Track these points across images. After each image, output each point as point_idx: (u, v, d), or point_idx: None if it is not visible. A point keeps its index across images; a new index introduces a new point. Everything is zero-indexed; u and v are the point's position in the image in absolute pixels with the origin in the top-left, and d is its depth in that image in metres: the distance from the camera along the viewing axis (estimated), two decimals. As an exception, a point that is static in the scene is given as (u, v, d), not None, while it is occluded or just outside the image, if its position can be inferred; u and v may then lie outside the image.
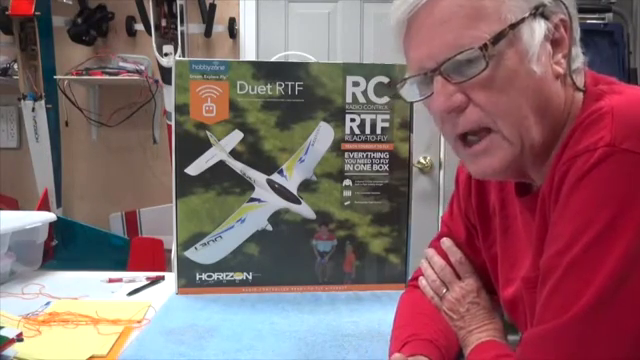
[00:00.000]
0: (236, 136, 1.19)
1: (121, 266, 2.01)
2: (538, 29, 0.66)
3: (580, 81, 0.71)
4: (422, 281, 0.93)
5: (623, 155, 0.57)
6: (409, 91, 0.74)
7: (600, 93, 0.67)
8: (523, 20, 0.65)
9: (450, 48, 0.65)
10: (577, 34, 0.70)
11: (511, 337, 0.86)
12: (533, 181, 0.75)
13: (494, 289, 0.88)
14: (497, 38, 0.64)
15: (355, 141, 1.22)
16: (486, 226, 0.87)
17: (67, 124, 2.74)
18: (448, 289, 0.89)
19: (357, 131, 1.22)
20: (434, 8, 0.67)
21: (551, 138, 0.69)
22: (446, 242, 0.92)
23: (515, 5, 0.65)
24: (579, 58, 0.71)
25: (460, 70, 0.66)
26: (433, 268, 0.92)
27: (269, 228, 1.22)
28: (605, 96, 0.65)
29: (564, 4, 0.68)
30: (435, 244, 0.94)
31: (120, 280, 1.29)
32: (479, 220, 0.88)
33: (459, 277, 0.89)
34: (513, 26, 0.65)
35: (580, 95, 0.70)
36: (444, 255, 0.92)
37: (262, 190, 1.21)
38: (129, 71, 2.63)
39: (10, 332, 0.82)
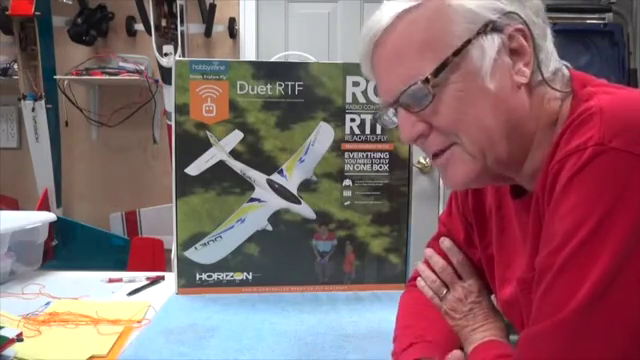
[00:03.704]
0: (236, 136, 1.19)
1: (121, 266, 2.01)
2: (490, 45, 0.67)
3: (560, 84, 0.71)
4: (420, 282, 0.92)
5: (612, 153, 0.58)
6: (385, 121, 0.78)
7: (589, 94, 0.67)
8: (469, 42, 0.66)
9: (402, 81, 0.68)
10: (544, 39, 0.70)
11: (513, 337, 0.86)
12: (518, 183, 0.75)
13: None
14: (439, 69, 0.66)
15: (355, 141, 1.22)
16: (482, 227, 0.88)
17: (67, 124, 2.74)
18: (449, 289, 0.89)
19: (357, 131, 1.22)
20: (387, 43, 0.70)
21: (520, 148, 0.70)
22: (446, 242, 0.92)
23: (462, 29, 0.67)
24: (552, 61, 0.71)
25: (415, 100, 0.69)
26: (433, 268, 0.92)
27: (269, 228, 1.22)
28: (594, 96, 0.66)
29: (517, 14, 0.68)
30: (433, 244, 0.94)
31: (120, 280, 1.29)
32: (475, 220, 0.89)
33: (460, 277, 0.89)
34: (456, 52, 0.66)
35: (557, 100, 0.71)
36: (443, 255, 0.92)
37: (262, 190, 1.21)
38: (129, 71, 2.63)
39: (10, 332, 0.82)
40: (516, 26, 0.68)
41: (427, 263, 0.93)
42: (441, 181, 2.70)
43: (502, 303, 0.83)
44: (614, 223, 0.57)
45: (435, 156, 0.73)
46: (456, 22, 0.67)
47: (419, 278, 0.93)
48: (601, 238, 0.57)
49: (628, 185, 0.57)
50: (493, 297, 0.89)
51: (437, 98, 0.67)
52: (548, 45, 0.71)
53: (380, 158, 1.23)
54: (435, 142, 0.71)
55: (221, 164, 1.19)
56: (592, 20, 2.58)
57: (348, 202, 1.23)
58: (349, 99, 1.21)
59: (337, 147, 1.21)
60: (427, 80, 0.66)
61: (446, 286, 0.89)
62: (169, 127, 2.37)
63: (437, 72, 0.66)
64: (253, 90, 1.18)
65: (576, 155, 0.60)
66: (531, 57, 0.69)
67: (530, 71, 0.69)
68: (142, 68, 2.64)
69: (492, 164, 0.69)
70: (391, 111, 0.76)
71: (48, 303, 1.10)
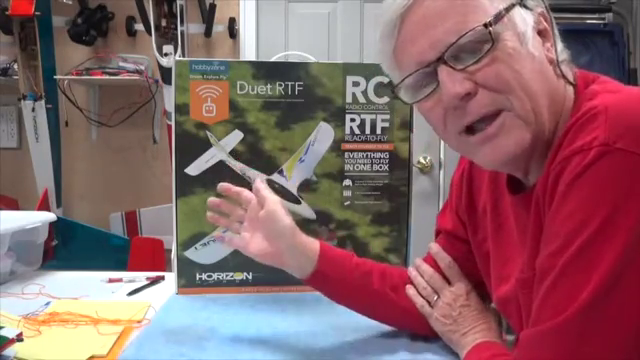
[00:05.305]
0: (236, 136, 1.19)
1: (121, 266, 2.02)
2: (527, 17, 0.69)
3: (569, 74, 0.72)
4: (409, 290, 0.93)
5: (617, 154, 0.58)
6: (406, 93, 0.74)
7: (594, 92, 0.68)
8: (513, 6, 0.68)
9: (451, 34, 0.66)
10: (556, 30, 0.72)
11: (509, 337, 0.86)
12: (527, 179, 0.75)
13: (485, 291, 0.89)
14: (497, 18, 0.66)
15: (355, 141, 1.22)
16: (475, 225, 0.89)
17: (67, 124, 2.75)
18: (439, 295, 0.90)
19: (357, 131, 1.22)
20: (426, 2, 0.68)
21: (554, 123, 0.69)
22: (433, 248, 0.94)
23: None
24: (564, 52, 0.73)
25: (463, 56, 0.66)
26: (422, 276, 0.93)
27: (269, 228, 1.22)
28: (599, 95, 0.66)
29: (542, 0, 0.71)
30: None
31: (120, 280, 1.28)
32: (468, 219, 0.90)
33: (448, 282, 0.91)
34: (508, 9, 0.67)
35: (571, 90, 0.72)
36: (432, 261, 0.93)
37: (262, 190, 1.20)
38: (129, 71, 2.63)
39: (10, 332, 0.82)
40: (541, 10, 0.70)
41: (417, 271, 0.94)
42: (442, 181, 2.70)
43: (498, 300, 0.83)
44: (617, 225, 0.57)
45: (477, 129, 0.68)
46: None
47: (408, 286, 0.94)
48: (604, 240, 0.57)
49: (632, 187, 0.57)
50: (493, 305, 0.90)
51: (494, 49, 0.65)
52: (558, 37, 0.73)
53: (380, 158, 1.23)
54: (483, 102, 0.67)
55: (221, 164, 1.19)
56: (592, 20, 2.58)
57: (348, 202, 1.23)
58: (349, 99, 1.21)
59: (337, 147, 1.21)
60: (489, 24, 0.65)
61: (436, 292, 0.90)
62: (169, 127, 2.37)
63: (496, 20, 0.65)
64: (253, 90, 1.18)
65: (580, 155, 0.60)
66: (552, 42, 0.70)
67: (554, 53, 0.70)
68: (142, 68, 2.64)
69: (538, 133, 0.68)
70: (410, 84, 0.71)
71: (48, 303, 1.10)
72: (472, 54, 0.66)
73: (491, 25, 0.65)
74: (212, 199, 0.96)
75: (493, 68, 0.66)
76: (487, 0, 0.67)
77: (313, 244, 0.91)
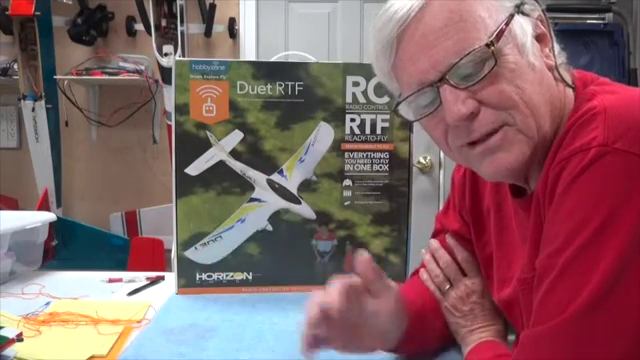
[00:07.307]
0: (236, 136, 1.19)
1: (121, 266, 2.02)
2: (525, 25, 0.68)
3: (567, 77, 0.72)
4: (423, 274, 0.92)
5: (616, 155, 0.58)
6: (407, 111, 0.73)
7: (592, 93, 0.67)
8: (512, 17, 0.66)
9: (452, 54, 0.65)
10: (553, 32, 0.71)
11: (510, 337, 0.86)
12: (528, 185, 0.75)
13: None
14: (498, 35, 0.65)
15: (355, 141, 1.22)
16: (479, 227, 0.88)
17: (67, 124, 2.75)
18: (452, 286, 0.88)
19: (357, 131, 1.22)
20: (424, 18, 0.66)
21: (554, 130, 0.69)
22: (451, 240, 0.91)
23: (500, 5, 0.67)
24: (561, 54, 0.72)
25: (466, 74, 0.66)
26: (437, 262, 0.91)
27: (269, 228, 1.22)
28: (597, 96, 0.66)
29: (537, 2, 0.70)
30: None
31: (120, 280, 1.28)
32: (472, 220, 0.89)
33: (464, 274, 0.89)
34: (507, 22, 0.66)
35: (570, 92, 0.71)
36: (448, 251, 0.91)
37: (262, 190, 1.20)
38: (129, 71, 2.63)
39: (10, 332, 0.82)
40: (538, 14, 0.69)
41: (432, 255, 0.92)
42: (442, 181, 2.70)
43: (502, 303, 0.83)
44: (617, 225, 0.57)
45: (479, 141, 0.68)
46: None
47: (422, 270, 0.92)
48: (604, 240, 0.57)
49: (632, 187, 0.57)
50: None
51: (495, 69, 0.64)
52: (554, 39, 0.72)
53: (380, 158, 1.23)
54: (486, 120, 0.66)
55: (221, 164, 1.19)
56: (592, 20, 2.58)
57: (348, 202, 1.23)
58: (349, 99, 1.21)
59: (337, 147, 1.21)
60: (491, 44, 0.63)
61: (449, 282, 0.89)
62: (169, 127, 2.37)
63: (498, 37, 0.64)
64: (253, 90, 1.18)
65: (579, 156, 0.60)
66: (551, 46, 0.70)
67: (553, 57, 0.69)
68: (142, 68, 2.64)
69: (539, 144, 0.67)
70: (412, 101, 0.70)
71: (48, 303, 1.10)
72: (474, 72, 0.65)
73: (493, 45, 0.64)
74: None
75: (496, 86, 0.65)
76: (486, 13, 0.66)
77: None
